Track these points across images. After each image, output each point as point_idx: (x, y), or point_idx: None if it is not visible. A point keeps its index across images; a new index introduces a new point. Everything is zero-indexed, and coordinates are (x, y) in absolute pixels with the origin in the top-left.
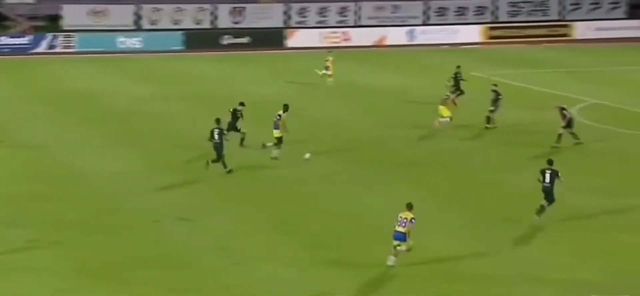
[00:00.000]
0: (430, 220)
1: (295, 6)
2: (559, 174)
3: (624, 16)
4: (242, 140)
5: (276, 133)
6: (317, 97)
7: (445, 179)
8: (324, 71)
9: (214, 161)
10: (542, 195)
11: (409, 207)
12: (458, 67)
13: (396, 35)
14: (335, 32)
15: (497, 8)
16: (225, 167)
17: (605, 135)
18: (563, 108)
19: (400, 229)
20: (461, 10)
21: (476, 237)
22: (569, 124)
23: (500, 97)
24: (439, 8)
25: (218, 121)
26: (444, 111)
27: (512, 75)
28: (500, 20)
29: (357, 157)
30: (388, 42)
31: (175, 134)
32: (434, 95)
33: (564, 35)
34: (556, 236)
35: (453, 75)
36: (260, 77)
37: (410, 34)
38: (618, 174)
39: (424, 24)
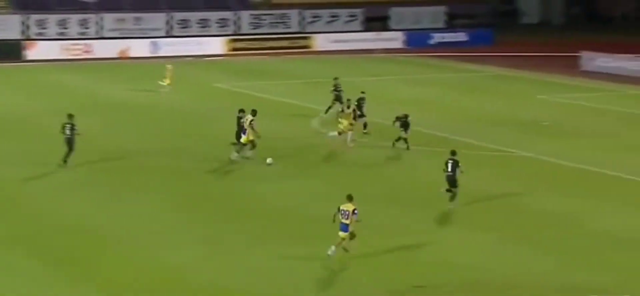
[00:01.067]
0: (171, 231)
1: (34, 17)
2: (460, 164)
3: (360, 28)
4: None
5: (244, 138)
6: (52, 111)
7: (192, 188)
8: (167, 82)
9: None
10: (447, 184)
11: (350, 198)
12: (335, 78)
13: (139, 47)
14: (76, 44)
15: (239, 20)
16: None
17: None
18: (400, 118)
19: (344, 221)
20: (204, 22)
21: (216, 248)
22: (404, 127)
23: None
24: (182, 20)
25: (70, 116)
26: (344, 123)
27: (254, 86)
28: (242, 32)
29: (103, 168)
30: (131, 54)
31: None
32: (184, 109)
33: (305, 46)
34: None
35: (332, 88)
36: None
37: (154, 46)
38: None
39: (168, 36)
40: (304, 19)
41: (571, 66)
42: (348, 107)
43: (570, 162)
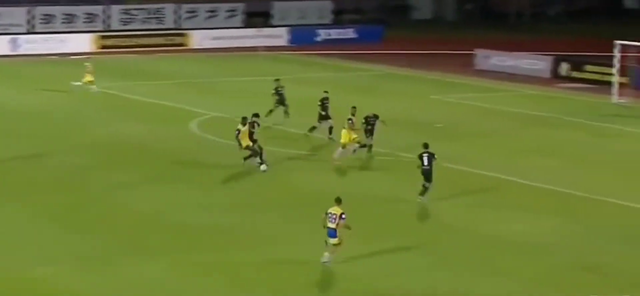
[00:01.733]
0: (33, 243)
1: None
2: (435, 156)
3: (240, 25)
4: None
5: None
6: None
7: (54, 197)
8: (87, 79)
9: None
10: (423, 177)
11: (338, 201)
12: (277, 79)
13: None
14: None
15: (108, 16)
16: None
17: (230, 150)
18: (368, 119)
19: (331, 225)
20: (70, 18)
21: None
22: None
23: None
24: (45, 15)
25: None
26: (345, 136)
27: (126, 87)
28: (112, 28)
29: None
30: None
31: None
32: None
33: (181, 44)
34: (178, 257)
35: (273, 90)
36: None
37: (13, 43)
38: (240, 189)
39: (29, 33)
40: (179, 14)
41: (465, 64)
42: (353, 115)
43: (465, 165)
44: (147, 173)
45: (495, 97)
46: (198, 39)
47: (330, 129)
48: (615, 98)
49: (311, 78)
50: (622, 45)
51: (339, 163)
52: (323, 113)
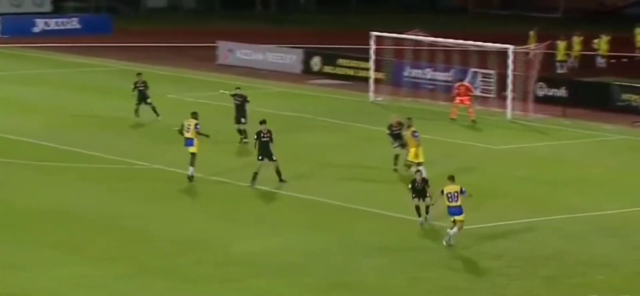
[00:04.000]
0: None
1: None
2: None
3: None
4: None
5: (192, 149)
6: None
7: None
8: None
9: None
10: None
11: (451, 178)
12: (139, 74)
13: None
14: None
15: None
16: None
17: None
18: None
19: (454, 204)
20: None
21: None
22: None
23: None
24: None
25: None
26: (415, 154)
27: None
28: None
29: None
30: None
31: None
32: None
33: None
34: None
35: (134, 85)
36: None
37: None
38: None
39: None
40: None
41: (206, 59)
42: (408, 126)
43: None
44: None
45: None
46: None
47: (242, 131)
48: (371, 95)
49: (27, 76)
50: (378, 36)
51: None
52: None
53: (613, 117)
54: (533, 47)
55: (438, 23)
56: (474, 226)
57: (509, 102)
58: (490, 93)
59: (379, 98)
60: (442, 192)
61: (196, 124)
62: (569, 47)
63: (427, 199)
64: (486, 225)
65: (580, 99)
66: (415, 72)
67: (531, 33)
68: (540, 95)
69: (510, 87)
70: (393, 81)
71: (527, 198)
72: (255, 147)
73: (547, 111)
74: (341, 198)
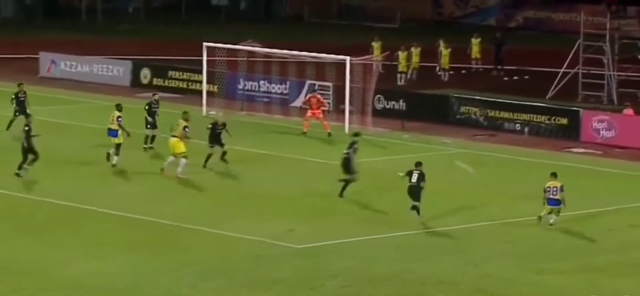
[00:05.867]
0: None
1: None
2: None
3: None
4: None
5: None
6: None
7: None
8: None
9: None
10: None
11: (554, 175)
12: (20, 84)
13: None
14: None
15: None
16: None
17: None
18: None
19: (554, 197)
20: None
21: None
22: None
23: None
24: None
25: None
26: (178, 146)
27: None
28: None
29: None
30: None
31: None
32: None
33: None
34: None
35: (14, 96)
36: None
37: None
38: None
39: None
40: None
41: (27, 71)
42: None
43: (34, 194)
44: None
45: (66, 110)
46: None
47: (150, 138)
48: (204, 109)
49: None
50: (210, 47)
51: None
52: (151, 119)
53: (452, 130)
54: (377, 58)
55: (274, 33)
56: (308, 245)
57: (346, 115)
58: (327, 107)
59: (212, 112)
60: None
61: (118, 117)
62: (409, 58)
63: None
64: (322, 243)
65: (419, 112)
66: (250, 84)
67: (374, 43)
68: (379, 108)
69: (348, 99)
70: (227, 94)
71: (365, 215)
72: None
73: (386, 124)
74: (174, 217)
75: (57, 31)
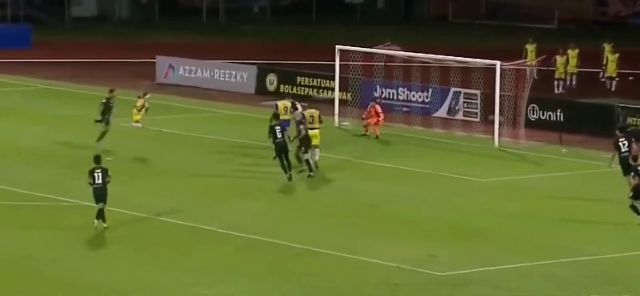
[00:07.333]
0: None
1: None
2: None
3: None
4: None
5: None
6: None
7: None
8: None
9: None
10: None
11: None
12: (111, 90)
13: None
14: None
15: None
16: None
17: None
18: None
19: None
20: None
21: None
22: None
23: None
24: None
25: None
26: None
27: None
28: None
29: None
30: None
31: None
32: None
33: None
34: None
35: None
36: None
37: None
38: None
39: None
40: None
41: (144, 76)
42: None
43: (141, 212)
44: None
45: (184, 120)
46: None
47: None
48: (337, 119)
49: None
50: (343, 51)
51: None
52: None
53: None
54: (531, 62)
55: (415, 35)
56: (451, 272)
57: (496, 126)
58: (474, 117)
59: (344, 123)
60: None
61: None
62: (568, 63)
63: None
64: (467, 270)
65: (579, 124)
66: (387, 92)
67: (528, 46)
68: (533, 119)
69: (497, 109)
70: (361, 102)
71: (518, 239)
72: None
73: (541, 137)
74: (300, 239)
75: (175, 33)
